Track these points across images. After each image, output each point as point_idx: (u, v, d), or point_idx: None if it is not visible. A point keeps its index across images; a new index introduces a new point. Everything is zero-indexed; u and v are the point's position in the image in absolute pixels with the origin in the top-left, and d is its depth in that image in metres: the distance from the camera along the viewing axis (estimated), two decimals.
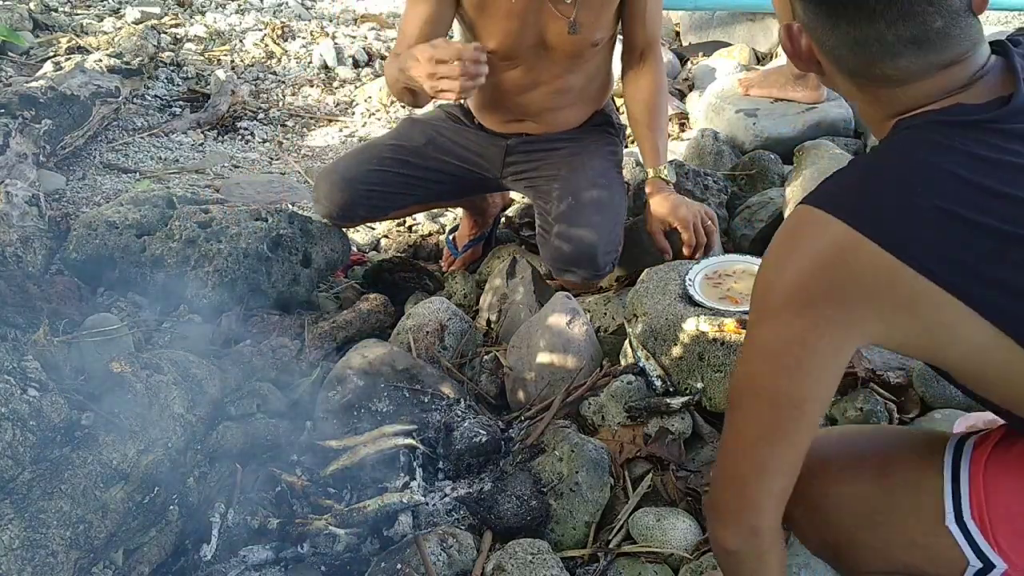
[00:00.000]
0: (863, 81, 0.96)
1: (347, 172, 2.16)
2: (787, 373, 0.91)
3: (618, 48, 2.20)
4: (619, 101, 2.86)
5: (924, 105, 0.92)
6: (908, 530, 1.01)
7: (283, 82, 3.95)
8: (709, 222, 2.05)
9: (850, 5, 0.90)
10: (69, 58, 3.50)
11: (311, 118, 3.68)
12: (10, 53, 3.64)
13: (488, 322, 2.15)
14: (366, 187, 2.15)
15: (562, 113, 2.16)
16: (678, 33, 4.20)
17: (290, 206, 2.65)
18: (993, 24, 3.83)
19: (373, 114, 3.69)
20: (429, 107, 2.31)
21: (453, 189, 2.27)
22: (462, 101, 2.24)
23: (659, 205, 2.07)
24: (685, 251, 2.04)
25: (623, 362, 1.87)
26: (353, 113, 3.74)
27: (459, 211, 2.66)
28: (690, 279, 1.87)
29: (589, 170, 2.10)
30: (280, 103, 3.77)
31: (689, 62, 3.85)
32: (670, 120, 3.26)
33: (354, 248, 2.54)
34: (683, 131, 3.25)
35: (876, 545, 1.04)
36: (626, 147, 2.38)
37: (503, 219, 2.62)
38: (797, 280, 0.89)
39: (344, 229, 2.33)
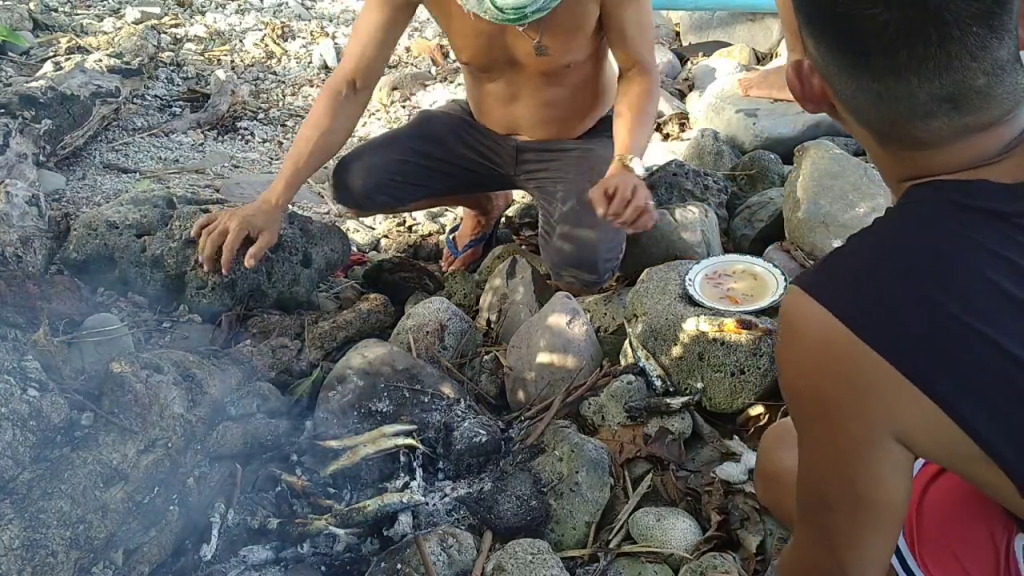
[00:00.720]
0: (884, 137, 0.84)
1: (372, 160, 2.17)
2: (854, 479, 0.84)
3: None
4: None
5: (948, 172, 0.80)
6: None
7: (283, 82, 3.95)
8: (643, 201, 1.82)
9: (876, 56, 0.77)
10: (69, 58, 3.50)
11: None
12: (10, 53, 3.64)
13: (488, 322, 2.15)
14: (388, 176, 2.16)
15: (555, 125, 2.15)
16: (678, 33, 4.20)
17: (290, 206, 2.65)
18: None
19: (373, 114, 3.69)
20: (443, 100, 2.32)
21: (470, 182, 2.29)
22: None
23: (608, 175, 1.91)
24: (599, 209, 1.83)
25: (623, 362, 1.87)
26: None
27: (459, 211, 2.66)
28: (690, 279, 1.87)
29: (596, 175, 2.09)
30: (280, 103, 3.77)
31: (689, 62, 3.85)
32: (670, 120, 3.26)
33: (354, 248, 2.54)
34: (683, 131, 3.25)
35: None
36: None
37: (503, 219, 2.62)
38: (812, 390, 0.83)
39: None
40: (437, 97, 3.65)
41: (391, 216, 2.79)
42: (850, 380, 0.80)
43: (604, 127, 2.20)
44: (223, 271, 1.95)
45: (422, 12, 2.01)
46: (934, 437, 0.79)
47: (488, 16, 1.83)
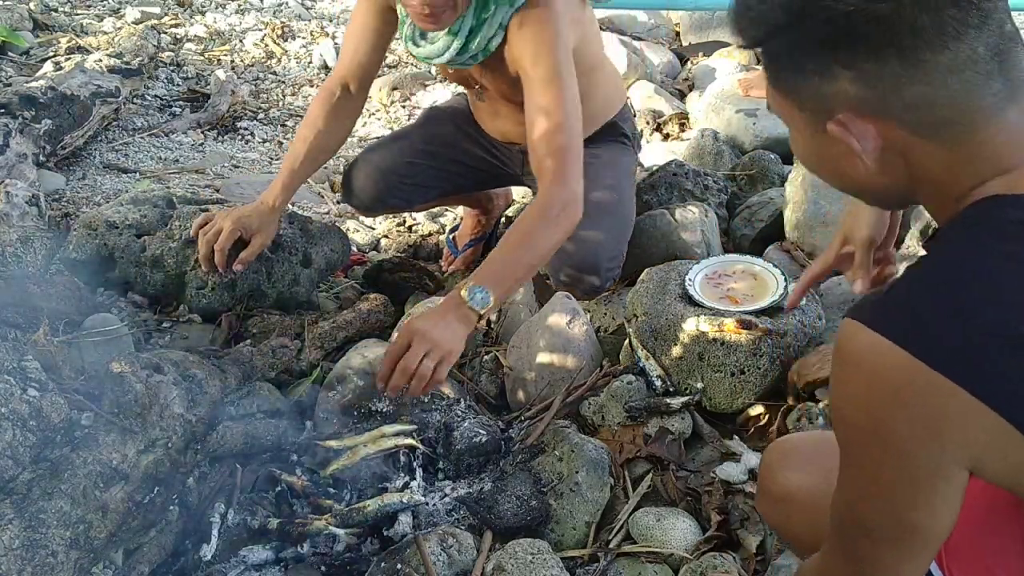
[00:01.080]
0: (951, 135, 0.81)
1: (382, 163, 2.17)
2: (907, 509, 0.82)
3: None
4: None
5: (1007, 167, 0.79)
6: None
7: (283, 82, 3.95)
8: (427, 371, 1.48)
9: (929, 30, 0.76)
10: (69, 58, 3.49)
11: None
12: (10, 53, 3.64)
13: (488, 322, 2.15)
14: (398, 179, 2.17)
15: None
16: (678, 33, 4.20)
17: (290, 206, 2.65)
18: None
19: (373, 114, 3.69)
20: (448, 95, 2.31)
21: (479, 179, 2.29)
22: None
23: (434, 309, 1.61)
24: (380, 375, 1.54)
25: (623, 362, 1.87)
26: None
27: (459, 210, 2.66)
28: (690, 279, 1.87)
29: (599, 178, 2.08)
30: (280, 103, 3.77)
31: (689, 62, 3.86)
32: (670, 120, 3.26)
33: (354, 248, 2.54)
34: (683, 131, 3.25)
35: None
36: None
37: (503, 219, 2.62)
38: (874, 423, 0.80)
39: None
40: (437, 97, 3.64)
41: (392, 216, 2.79)
42: (917, 411, 0.77)
43: (610, 131, 2.16)
44: (219, 271, 1.95)
45: None
46: (1008, 459, 0.78)
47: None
